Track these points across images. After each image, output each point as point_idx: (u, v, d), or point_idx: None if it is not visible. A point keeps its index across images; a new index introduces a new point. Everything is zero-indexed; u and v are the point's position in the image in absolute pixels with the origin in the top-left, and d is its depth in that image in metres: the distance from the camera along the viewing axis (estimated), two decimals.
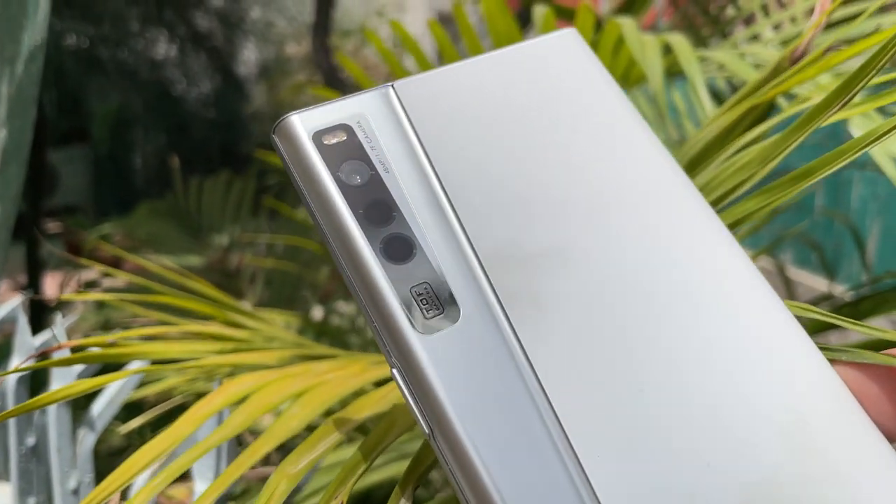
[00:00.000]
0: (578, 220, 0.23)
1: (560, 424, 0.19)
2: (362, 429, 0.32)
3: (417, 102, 0.24)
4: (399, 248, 0.21)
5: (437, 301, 0.21)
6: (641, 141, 0.25)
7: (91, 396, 0.45)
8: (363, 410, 0.30)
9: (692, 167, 0.37)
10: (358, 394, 0.35)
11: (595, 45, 0.48)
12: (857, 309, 0.42)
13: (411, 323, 0.20)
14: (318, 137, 0.22)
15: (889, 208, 2.22)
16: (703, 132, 0.37)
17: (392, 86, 0.24)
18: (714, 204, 0.30)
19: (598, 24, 0.51)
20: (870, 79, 0.25)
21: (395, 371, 0.20)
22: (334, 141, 0.22)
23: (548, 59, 0.26)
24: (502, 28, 0.47)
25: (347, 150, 0.22)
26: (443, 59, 0.59)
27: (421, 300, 0.21)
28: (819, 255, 0.84)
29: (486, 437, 0.19)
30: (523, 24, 0.90)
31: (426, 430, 0.20)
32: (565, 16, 0.63)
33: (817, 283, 2.10)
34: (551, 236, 0.22)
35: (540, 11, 0.48)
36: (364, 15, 4.33)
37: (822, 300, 0.56)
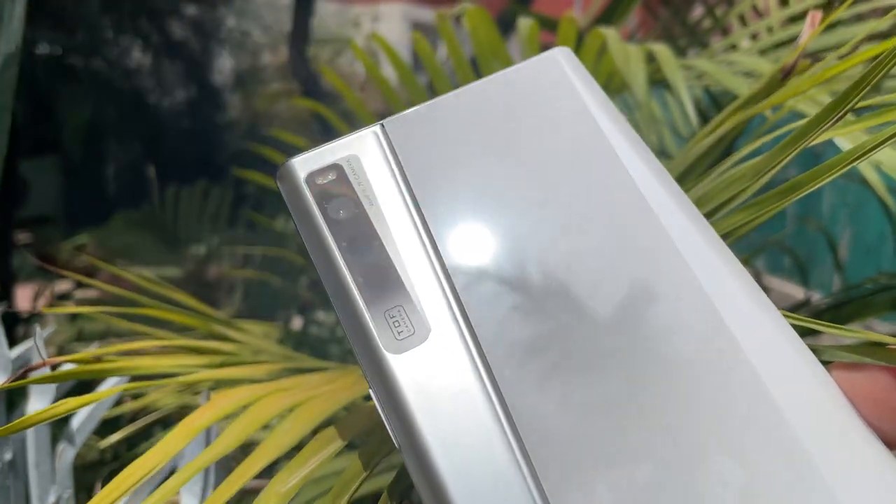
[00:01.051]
0: (557, 250, 0.23)
1: (522, 443, 0.20)
2: (352, 444, 0.31)
3: (404, 139, 0.26)
4: (377, 275, 0.23)
5: (409, 323, 0.22)
6: (635, 164, 0.25)
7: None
8: (356, 425, 0.30)
9: (681, 181, 0.37)
10: (349, 407, 0.34)
11: (577, 55, 0.48)
12: (840, 314, 0.43)
13: (383, 343, 0.22)
14: (311, 178, 0.25)
15: (858, 216, 2.26)
16: (693, 147, 0.37)
17: (382, 124, 0.26)
18: (706, 217, 0.31)
19: (580, 35, 0.52)
20: (861, 96, 0.26)
21: (371, 390, 0.22)
22: (326, 181, 0.25)
23: (535, 83, 0.26)
24: (485, 38, 0.48)
25: (337, 188, 0.25)
26: (425, 70, 0.60)
27: (393, 322, 0.22)
28: (796, 261, 0.85)
29: (450, 452, 0.20)
30: (504, 30, 0.90)
31: (396, 444, 0.21)
32: (548, 26, 0.64)
33: (791, 290, 2.13)
34: (526, 263, 0.23)
35: (525, 23, 0.49)
36: (339, 25, 4.32)
37: (800, 306, 0.56)
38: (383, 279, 0.23)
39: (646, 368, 0.21)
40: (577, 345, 0.22)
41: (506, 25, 0.92)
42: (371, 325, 0.22)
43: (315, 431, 0.31)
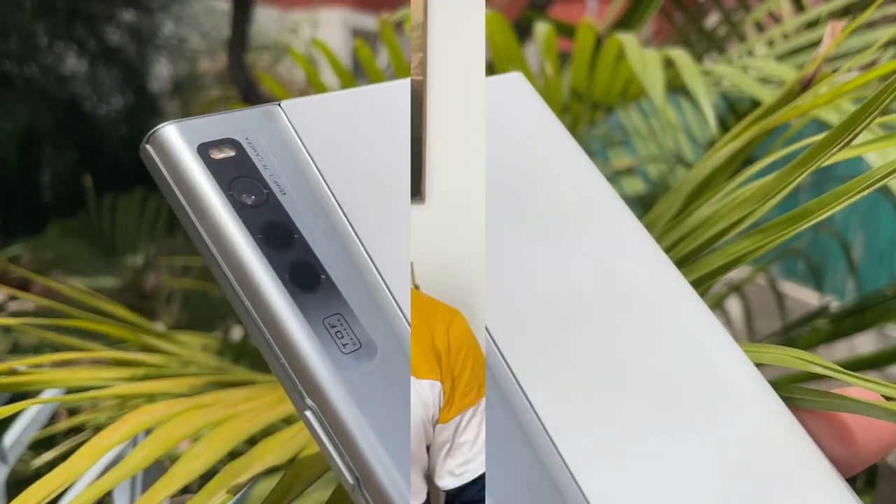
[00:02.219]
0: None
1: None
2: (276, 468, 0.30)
3: (307, 123, 0.22)
4: (306, 276, 0.19)
5: (352, 334, 0.19)
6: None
7: (2, 430, 0.42)
8: (269, 453, 0.28)
9: (697, 195, 0.37)
10: (269, 430, 0.33)
11: (595, 61, 0.49)
12: (861, 319, 0.43)
13: (330, 359, 0.18)
14: (203, 150, 0.20)
15: (870, 221, 2.32)
16: (711, 156, 0.37)
17: (279, 104, 0.22)
18: (711, 241, 0.30)
19: (598, 41, 0.52)
20: (874, 118, 0.26)
21: (308, 414, 0.18)
22: (222, 156, 0.20)
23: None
24: (502, 43, 0.47)
25: (238, 168, 0.20)
26: (367, 75, 0.60)
27: (336, 333, 0.18)
28: (811, 267, 0.87)
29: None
30: (521, 36, 0.90)
31: (350, 481, 0.17)
32: (565, 32, 0.63)
33: (804, 295, 2.17)
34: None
35: (542, 28, 0.48)
36: (278, 31, 4.28)
37: (818, 314, 0.57)
38: (314, 281, 0.19)
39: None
40: (550, 345, 0.21)
41: (522, 31, 0.92)
42: (311, 336, 0.18)
43: (231, 455, 0.29)
